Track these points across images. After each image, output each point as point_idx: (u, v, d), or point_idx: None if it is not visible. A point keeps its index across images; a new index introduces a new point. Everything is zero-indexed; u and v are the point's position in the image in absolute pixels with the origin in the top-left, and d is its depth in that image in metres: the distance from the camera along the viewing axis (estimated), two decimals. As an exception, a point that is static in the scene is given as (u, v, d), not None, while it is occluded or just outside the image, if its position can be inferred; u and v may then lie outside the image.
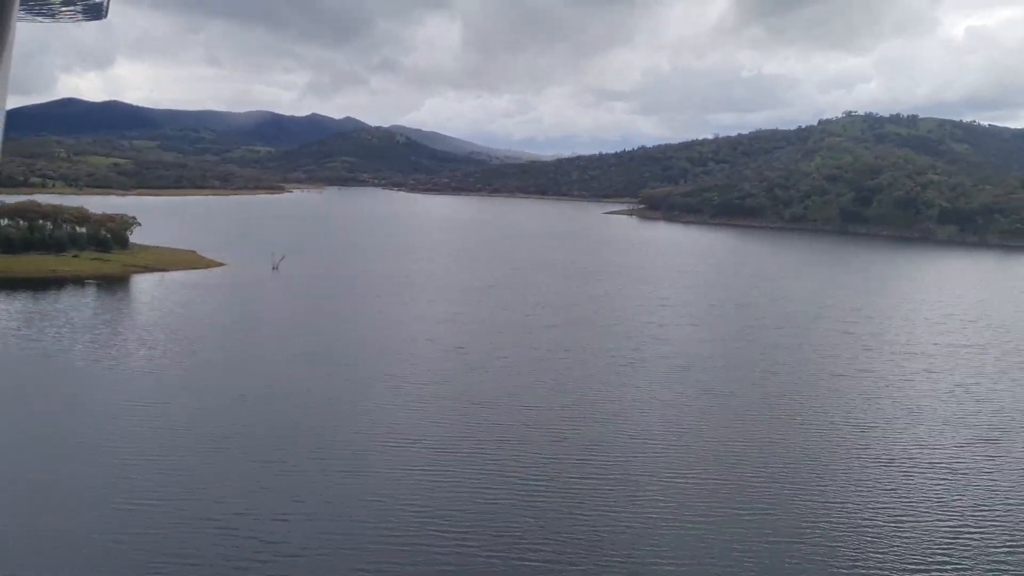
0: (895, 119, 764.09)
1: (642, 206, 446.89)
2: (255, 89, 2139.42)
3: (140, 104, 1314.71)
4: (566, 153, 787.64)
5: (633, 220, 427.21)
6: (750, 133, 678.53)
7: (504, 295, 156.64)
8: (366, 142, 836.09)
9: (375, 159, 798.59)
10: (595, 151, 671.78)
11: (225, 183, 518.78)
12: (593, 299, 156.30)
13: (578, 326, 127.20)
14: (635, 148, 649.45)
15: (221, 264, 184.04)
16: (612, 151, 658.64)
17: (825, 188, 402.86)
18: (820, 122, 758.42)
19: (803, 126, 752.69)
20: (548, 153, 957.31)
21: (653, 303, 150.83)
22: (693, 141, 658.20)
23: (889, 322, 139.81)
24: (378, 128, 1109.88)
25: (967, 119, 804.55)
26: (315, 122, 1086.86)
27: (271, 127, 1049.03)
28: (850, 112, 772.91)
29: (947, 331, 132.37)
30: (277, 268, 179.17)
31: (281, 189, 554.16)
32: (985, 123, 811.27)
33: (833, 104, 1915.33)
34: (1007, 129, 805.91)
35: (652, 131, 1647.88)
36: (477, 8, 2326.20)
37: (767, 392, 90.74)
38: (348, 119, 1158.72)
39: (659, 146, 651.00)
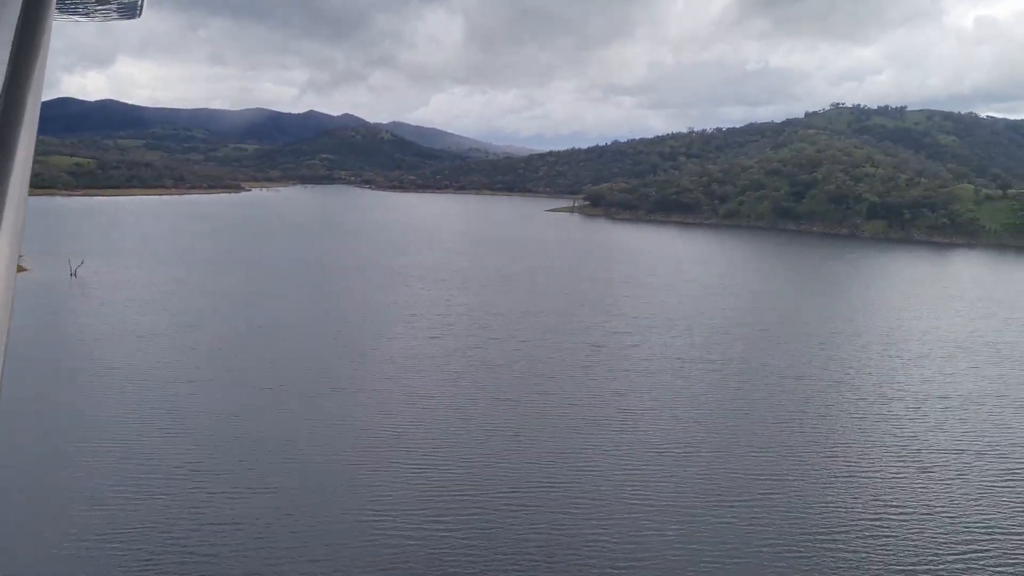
0: (882, 111, 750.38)
1: (585, 203, 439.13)
2: (255, 87, 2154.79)
3: (136, 103, 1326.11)
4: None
5: (572, 217, 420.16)
6: (727, 129, 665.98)
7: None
8: (350, 139, 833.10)
9: (358, 156, 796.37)
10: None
11: (179, 182, 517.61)
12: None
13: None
14: (608, 143, 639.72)
15: (24, 269, 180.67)
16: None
17: (762, 183, 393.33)
18: (806, 115, 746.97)
19: (790, 119, 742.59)
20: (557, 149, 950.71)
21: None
22: (667, 135, 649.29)
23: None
24: (376, 124, 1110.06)
25: (981, 112, 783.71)
26: (313, 120, 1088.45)
27: (267, 125, 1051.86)
28: (837, 104, 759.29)
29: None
30: (75, 274, 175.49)
31: (239, 188, 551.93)
32: (985, 115, 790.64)
33: (844, 96, 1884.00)
34: (1002, 120, 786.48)
35: (662, 126, 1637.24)
36: (475, 3, 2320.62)
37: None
38: (347, 116, 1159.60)
39: (631, 141, 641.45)
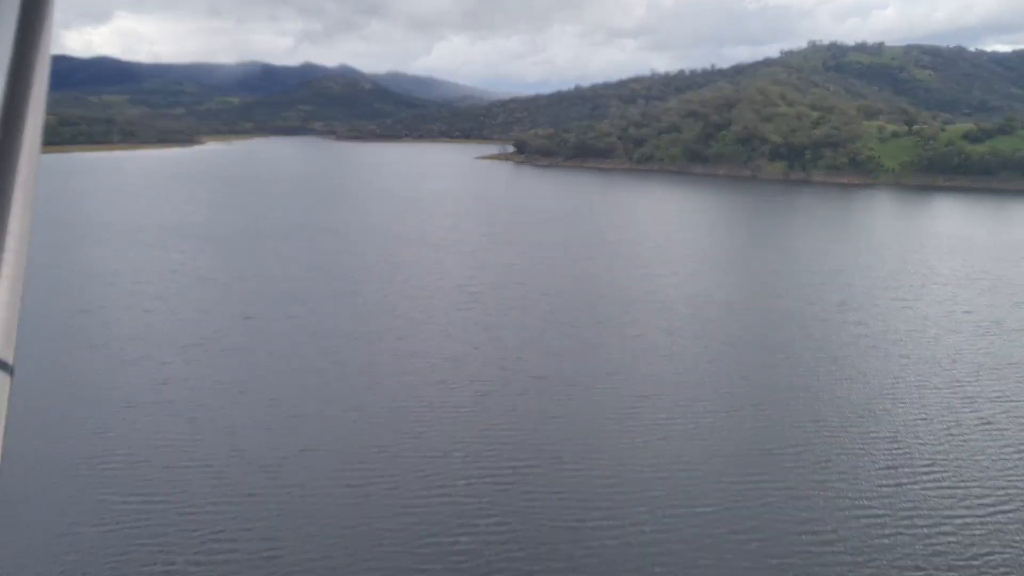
0: (860, 47, 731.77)
1: (512, 149, 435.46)
2: (252, 40, 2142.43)
3: (129, 59, 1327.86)
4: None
5: (494, 164, 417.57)
6: (690, 71, 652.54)
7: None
8: (329, 90, 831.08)
9: (338, 107, 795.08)
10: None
11: (128, 138, 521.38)
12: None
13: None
14: (571, 88, 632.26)
15: None
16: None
17: (678, 126, 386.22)
18: (782, 53, 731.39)
19: (769, 57, 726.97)
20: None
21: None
22: (629, 79, 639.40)
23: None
24: (373, 75, 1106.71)
25: (987, 44, 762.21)
26: (308, 71, 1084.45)
27: (261, 78, 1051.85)
28: (813, 41, 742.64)
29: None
30: None
31: (192, 143, 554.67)
32: (989, 48, 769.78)
33: (849, 33, 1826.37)
34: (989, 53, 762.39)
35: (666, 68, 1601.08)
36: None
37: None
38: (343, 67, 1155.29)
39: (594, 85, 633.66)
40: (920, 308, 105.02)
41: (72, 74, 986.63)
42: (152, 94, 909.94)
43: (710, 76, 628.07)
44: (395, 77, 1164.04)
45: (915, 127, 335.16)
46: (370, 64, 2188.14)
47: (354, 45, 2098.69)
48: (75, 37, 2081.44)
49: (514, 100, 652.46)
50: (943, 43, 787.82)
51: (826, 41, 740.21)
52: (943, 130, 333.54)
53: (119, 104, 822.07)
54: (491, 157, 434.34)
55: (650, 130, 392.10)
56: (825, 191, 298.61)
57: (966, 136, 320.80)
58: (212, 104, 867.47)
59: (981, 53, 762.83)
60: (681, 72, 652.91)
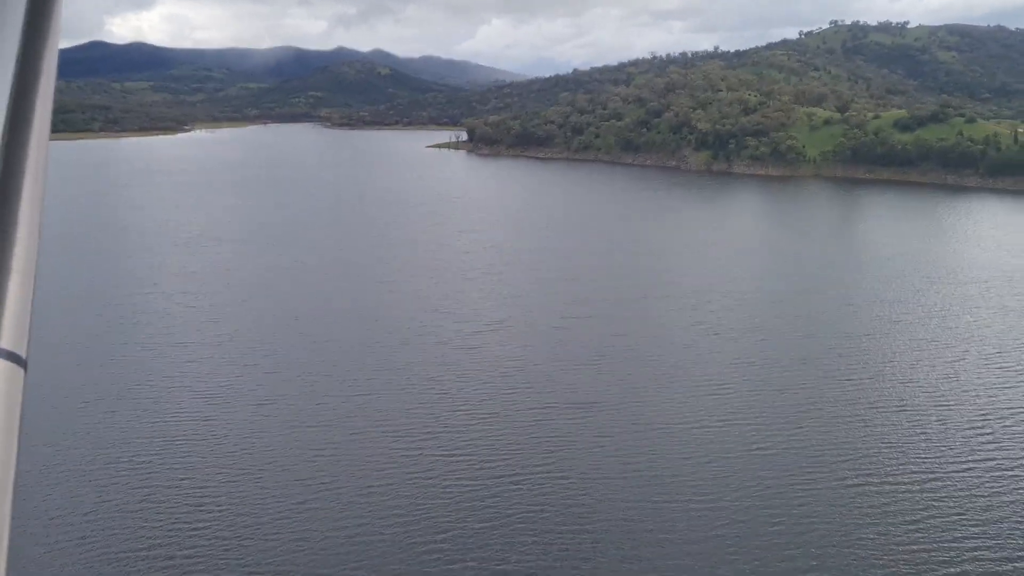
0: (883, 27, 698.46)
1: (464, 137, 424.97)
2: (294, 24, 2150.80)
3: (166, 45, 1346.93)
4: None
5: (441, 153, 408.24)
6: (692, 53, 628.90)
7: None
8: (342, 76, 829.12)
9: (349, 93, 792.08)
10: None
11: (110, 125, 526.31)
12: None
13: None
14: (568, 73, 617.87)
15: None
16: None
17: (620, 113, 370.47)
18: (801, 34, 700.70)
19: (787, 39, 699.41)
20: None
21: None
22: (627, 63, 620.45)
23: None
24: (407, 59, 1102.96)
25: None
26: (340, 56, 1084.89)
27: (292, 63, 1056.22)
28: (835, 21, 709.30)
29: None
30: None
31: (177, 130, 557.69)
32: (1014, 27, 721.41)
33: (903, 11, 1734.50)
34: (1020, 32, 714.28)
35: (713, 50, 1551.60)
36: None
37: None
38: (376, 51, 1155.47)
39: (592, 69, 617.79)
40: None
41: (106, 60, 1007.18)
42: (180, 80, 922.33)
43: (711, 58, 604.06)
44: (429, 61, 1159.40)
45: (847, 113, 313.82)
46: (407, 48, 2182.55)
47: (394, 29, 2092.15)
48: (118, 23, 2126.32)
49: (509, 85, 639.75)
50: (998, 22, 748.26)
51: (848, 21, 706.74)
52: (878, 117, 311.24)
53: (141, 91, 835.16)
54: (441, 145, 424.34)
55: (594, 117, 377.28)
56: (742, 183, 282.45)
57: (897, 124, 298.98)
58: (234, 90, 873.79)
59: (1012, 33, 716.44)
60: (684, 55, 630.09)
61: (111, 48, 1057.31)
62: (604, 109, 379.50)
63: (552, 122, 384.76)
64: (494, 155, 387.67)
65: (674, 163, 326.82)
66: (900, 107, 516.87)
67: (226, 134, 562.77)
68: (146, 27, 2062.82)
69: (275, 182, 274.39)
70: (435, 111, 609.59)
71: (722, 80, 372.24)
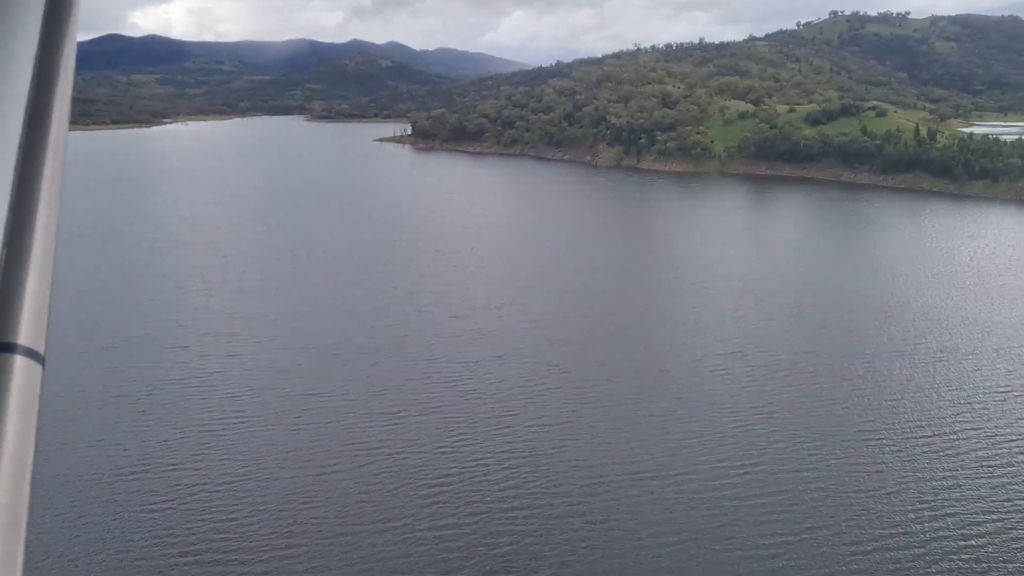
0: (882, 18, 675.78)
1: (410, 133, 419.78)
2: (315, 17, 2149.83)
3: (180, 38, 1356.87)
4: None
5: (385, 147, 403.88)
6: (677, 45, 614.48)
7: None
8: (343, 68, 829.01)
9: (350, 85, 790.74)
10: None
11: (85, 118, 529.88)
12: None
13: None
14: (540, 66, 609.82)
15: None
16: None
17: (550, 107, 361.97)
18: (799, 25, 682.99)
19: (784, 29, 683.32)
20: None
21: None
22: (611, 55, 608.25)
23: None
24: (423, 51, 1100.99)
25: None
26: (355, 48, 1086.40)
27: (307, 55, 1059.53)
28: (835, 12, 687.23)
29: None
30: None
31: (152, 123, 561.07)
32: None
33: (934, 3, 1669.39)
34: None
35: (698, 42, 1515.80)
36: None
37: None
38: (392, 44, 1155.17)
39: (574, 61, 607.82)
40: None
41: (122, 53, 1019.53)
42: (190, 73, 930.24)
43: (694, 50, 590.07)
44: (444, 54, 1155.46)
45: (761, 106, 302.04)
46: (425, 41, 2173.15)
47: (413, 22, 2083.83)
48: (139, 16, 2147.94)
49: (491, 77, 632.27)
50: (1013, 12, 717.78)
51: (848, 12, 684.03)
52: (793, 111, 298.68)
53: (148, 83, 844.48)
54: (386, 139, 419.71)
55: (527, 111, 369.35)
56: (642, 179, 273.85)
57: (808, 118, 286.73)
58: (240, 83, 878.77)
59: (1021, 22, 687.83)
60: (669, 46, 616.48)
61: (127, 41, 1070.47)
62: (538, 103, 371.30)
63: (485, 116, 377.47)
64: (429, 149, 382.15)
65: (589, 158, 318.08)
66: (881, 99, 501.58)
67: (202, 127, 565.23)
68: (172, 20, 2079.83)
69: (170, 174, 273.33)
70: (415, 104, 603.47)
71: (651, 72, 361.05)
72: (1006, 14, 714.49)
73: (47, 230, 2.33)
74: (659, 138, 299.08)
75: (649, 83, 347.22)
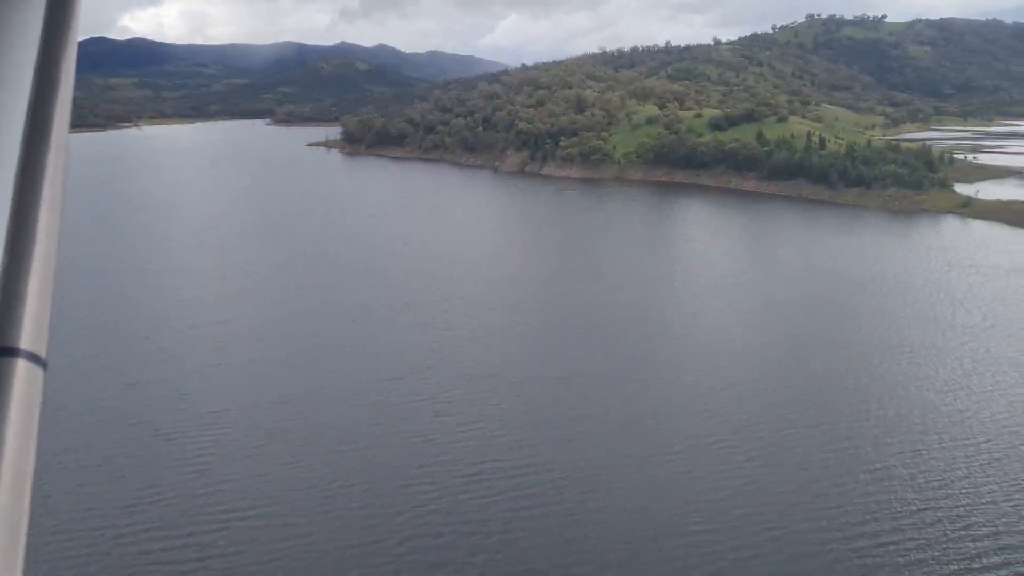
0: (858, 21, 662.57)
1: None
2: (288, 20, 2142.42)
3: (164, 40, 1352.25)
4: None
5: (314, 151, 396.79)
6: (643, 48, 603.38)
7: None
8: (318, 71, 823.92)
9: (324, 88, 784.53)
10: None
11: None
12: None
13: None
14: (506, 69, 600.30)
15: None
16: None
17: (472, 111, 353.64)
18: (774, 28, 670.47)
19: (758, 32, 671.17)
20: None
21: None
22: (573, 59, 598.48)
23: None
24: (413, 54, 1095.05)
25: None
26: (342, 51, 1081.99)
27: (292, 59, 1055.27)
28: (812, 15, 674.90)
29: None
30: None
31: (107, 127, 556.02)
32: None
33: (928, 5, 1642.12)
34: (1014, 25, 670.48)
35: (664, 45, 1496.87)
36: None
37: None
38: (381, 47, 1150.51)
39: (539, 64, 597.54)
40: None
41: (106, 56, 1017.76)
42: (172, 76, 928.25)
43: (655, 55, 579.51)
44: (435, 57, 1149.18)
45: (664, 110, 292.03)
46: (415, 44, 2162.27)
47: (405, 24, 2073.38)
48: (128, 19, 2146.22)
49: (457, 80, 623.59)
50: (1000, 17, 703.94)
51: (824, 15, 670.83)
52: (699, 115, 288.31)
53: (125, 87, 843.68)
54: (318, 144, 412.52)
55: (451, 115, 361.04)
56: (540, 185, 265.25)
57: (712, 123, 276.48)
58: (219, 86, 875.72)
59: (1006, 26, 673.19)
60: (635, 49, 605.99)
61: (112, 44, 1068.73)
62: (463, 107, 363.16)
63: (409, 121, 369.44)
64: (354, 154, 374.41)
65: (497, 163, 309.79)
66: (840, 104, 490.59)
67: (157, 131, 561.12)
68: (163, 23, 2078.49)
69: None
70: (377, 108, 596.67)
71: (570, 76, 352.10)
72: (990, 18, 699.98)
73: (49, 234, 2.35)
74: (562, 144, 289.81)
75: (569, 87, 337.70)
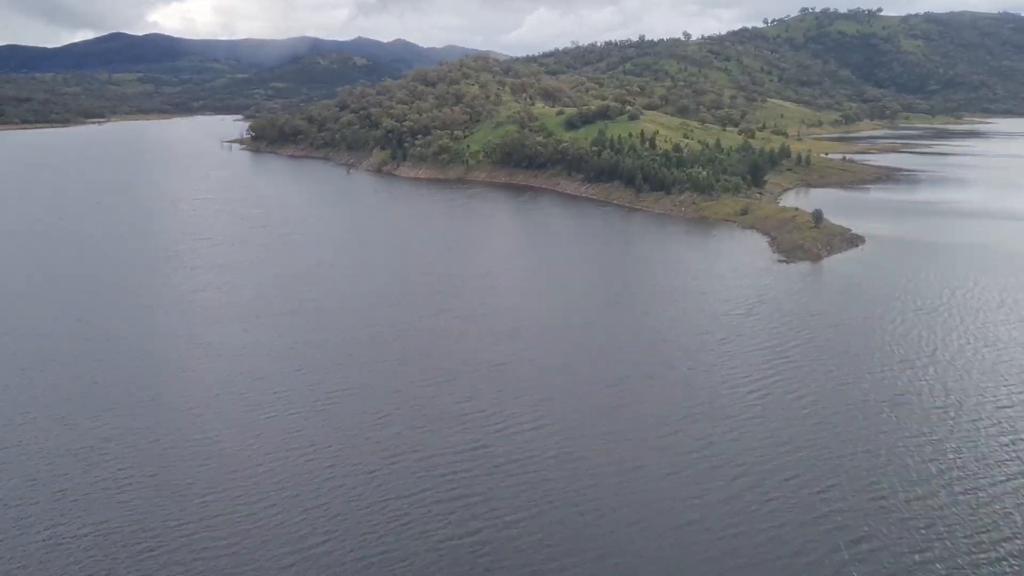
0: (852, 15, 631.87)
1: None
2: (318, 14, 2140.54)
3: (181, 36, 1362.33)
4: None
5: (227, 148, 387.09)
6: (607, 43, 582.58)
7: None
8: (313, 67, 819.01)
9: (317, 84, 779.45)
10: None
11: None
12: None
13: None
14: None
15: None
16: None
17: (364, 108, 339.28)
18: (767, 22, 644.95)
19: (749, 26, 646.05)
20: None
21: None
22: (548, 53, 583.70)
23: None
24: (430, 49, 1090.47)
25: None
26: (360, 47, 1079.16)
27: (308, 54, 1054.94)
28: (805, 9, 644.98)
29: None
30: None
31: (69, 123, 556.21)
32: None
33: (935, 3, 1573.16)
34: (1014, 16, 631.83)
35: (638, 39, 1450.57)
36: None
37: None
38: (398, 42, 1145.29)
39: (513, 59, 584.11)
40: None
41: (126, 51, 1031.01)
42: (180, 71, 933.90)
43: (624, 49, 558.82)
44: (451, 52, 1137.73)
45: (517, 111, 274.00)
46: (438, 38, 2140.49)
47: (430, 18, 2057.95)
48: (168, 13, 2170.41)
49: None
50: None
51: (818, 8, 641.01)
52: (561, 113, 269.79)
53: (129, 82, 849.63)
54: (233, 140, 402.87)
55: (347, 112, 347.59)
56: (383, 186, 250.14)
57: (566, 122, 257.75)
58: (222, 82, 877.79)
59: (1007, 18, 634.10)
60: (609, 43, 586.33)
61: (128, 39, 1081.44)
62: (359, 103, 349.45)
63: (307, 118, 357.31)
64: (255, 151, 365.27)
65: (354, 161, 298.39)
66: (801, 100, 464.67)
67: (117, 126, 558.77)
68: (186, 18, 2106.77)
69: None
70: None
71: (460, 71, 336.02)
72: (1001, 11, 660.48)
73: None
74: (418, 142, 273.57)
75: (456, 83, 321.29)
